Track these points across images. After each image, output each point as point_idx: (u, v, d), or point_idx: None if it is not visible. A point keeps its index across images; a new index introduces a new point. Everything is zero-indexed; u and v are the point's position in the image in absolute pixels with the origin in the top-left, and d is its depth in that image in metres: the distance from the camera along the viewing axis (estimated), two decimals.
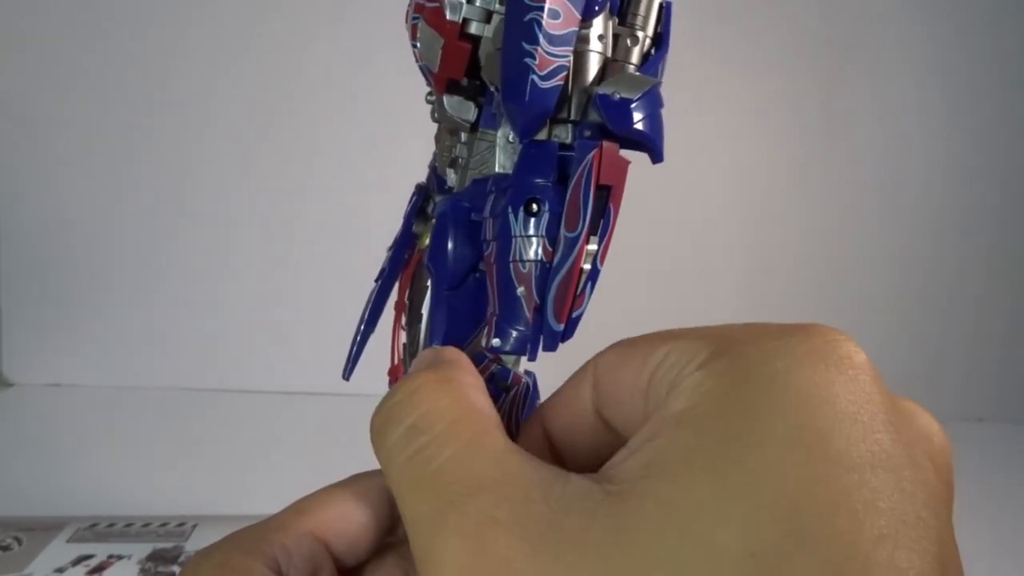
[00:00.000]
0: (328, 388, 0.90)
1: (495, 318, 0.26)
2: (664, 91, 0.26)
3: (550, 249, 0.25)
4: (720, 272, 1.04)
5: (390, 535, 0.31)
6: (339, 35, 0.94)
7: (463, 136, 0.32)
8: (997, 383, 1.07)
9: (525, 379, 0.27)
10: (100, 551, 0.58)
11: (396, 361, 0.34)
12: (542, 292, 0.25)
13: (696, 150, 1.00)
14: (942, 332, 1.06)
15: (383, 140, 0.91)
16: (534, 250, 0.25)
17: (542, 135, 0.26)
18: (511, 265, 0.25)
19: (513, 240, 0.25)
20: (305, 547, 0.28)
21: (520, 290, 0.25)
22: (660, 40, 0.29)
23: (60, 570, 0.56)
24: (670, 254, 1.02)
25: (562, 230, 0.25)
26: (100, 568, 0.56)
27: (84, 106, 0.93)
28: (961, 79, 1.03)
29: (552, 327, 0.25)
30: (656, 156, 0.26)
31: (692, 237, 1.03)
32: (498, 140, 0.27)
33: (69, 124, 0.93)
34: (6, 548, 0.58)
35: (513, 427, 0.27)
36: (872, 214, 1.05)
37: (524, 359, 0.30)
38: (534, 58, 0.24)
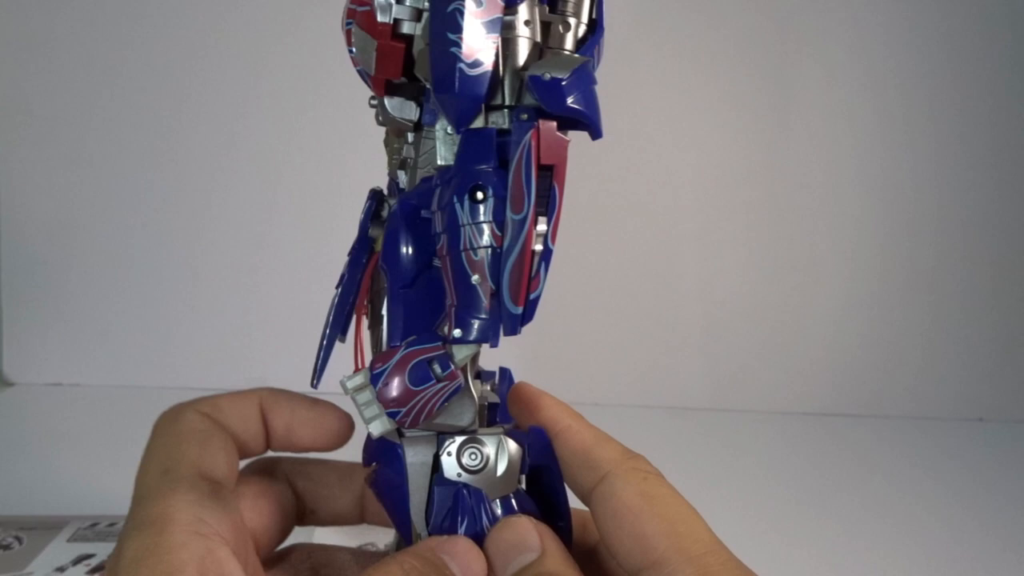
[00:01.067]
0: (327, 388, 0.88)
1: (454, 309, 0.26)
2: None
3: (499, 234, 0.25)
4: (725, 271, 1.04)
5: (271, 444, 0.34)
6: (334, 38, 0.93)
7: (409, 136, 0.32)
8: (997, 383, 1.06)
9: (458, 381, 0.27)
10: (101, 550, 0.58)
11: (362, 365, 0.34)
12: (496, 277, 0.25)
13: (683, 146, 1.01)
14: (942, 332, 1.05)
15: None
16: (484, 237, 0.25)
17: (478, 123, 0.26)
18: (463, 254, 0.25)
19: (462, 229, 0.25)
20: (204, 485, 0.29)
21: (475, 278, 0.25)
22: (595, 25, 0.29)
23: (61, 569, 0.55)
24: (680, 254, 1.02)
25: (508, 213, 0.25)
26: (101, 567, 0.56)
27: (84, 107, 0.92)
28: (957, 74, 1.03)
29: (510, 310, 0.25)
30: (595, 132, 0.26)
31: (683, 235, 1.03)
32: (437, 134, 0.27)
33: (68, 124, 0.92)
34: (6, 547, 0.58)
35: (421, 417, 0.27)
36: (870, 212, 1.04)
37: (477, 357, 0.31)
38: (460, 47, 0.24)
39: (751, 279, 1.04)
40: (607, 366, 0.99)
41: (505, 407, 0.34)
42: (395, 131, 0.33)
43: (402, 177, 0.33)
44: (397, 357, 0.27)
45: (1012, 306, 1.06)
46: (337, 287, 0.34)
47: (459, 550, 0.27)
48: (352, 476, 0.36)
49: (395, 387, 0.26)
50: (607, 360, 0.99)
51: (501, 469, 0.30)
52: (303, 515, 0.35)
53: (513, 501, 0.31)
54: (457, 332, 0.26)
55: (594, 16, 0.29)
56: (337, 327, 0.34)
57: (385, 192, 0.36)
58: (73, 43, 0.92)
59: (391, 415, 0.26)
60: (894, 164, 1.04)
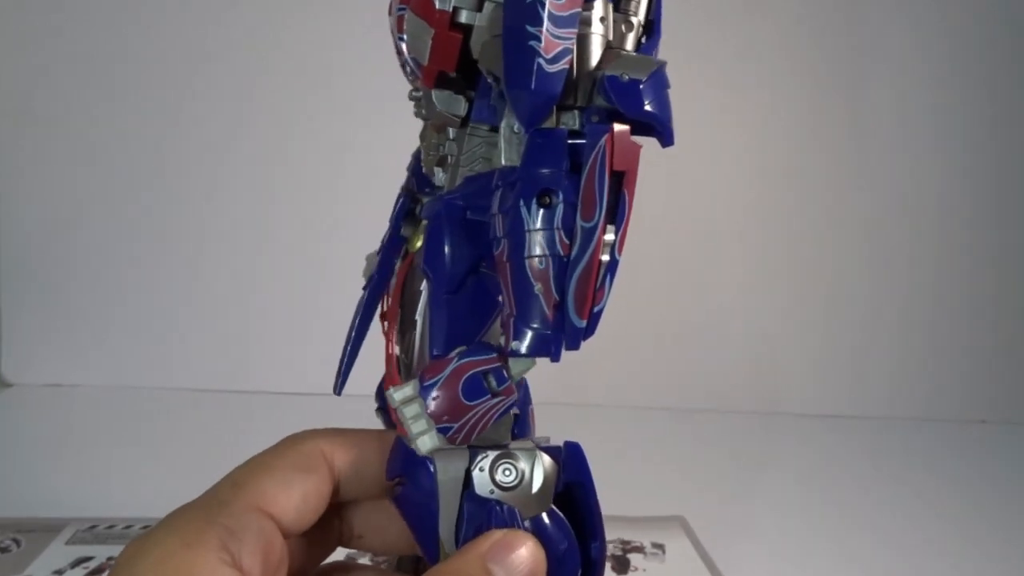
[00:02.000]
0: (327, 388, 0.87)
1: (512, 319, 0.24)
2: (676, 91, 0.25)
3: (567, 242, 0.23)
4: (725, 271, 1.03)
5: (334, 496, 0.30)
6: (339, 38, 0.93)
7: (451, 133, 0.30)
8: (999, 385, 1.07)
9: (515, 396, 0.26)
10: (100, 553, 0.57)
11: (394, 372, 0.32)
12: (561, 288, 0.24)
13: (710, 149, 1.01)
14: (944, 334, 1.06)
15: (390, 140, 0.91)
16: (550, 244, 0.24)
17: (549, 123, 0.25)
18: (526, 262, 0.24)
19: (527, 235, 0.24)
20: (252, 524, 0.26)
21: (538, 287, 0.24)
22: (651, 27, 0.28)
23: (59, 572, 0.55)
24: (680, 254, 1.02)
25: (578, 220, 0.23)
26: (99, 570, 0.55)
27: (84, 107, 0.92)
28: (968, 76, 1.04)
29: (574, 324, 0.24)
30: (666, 139, 0.25)
31: (701, 237, 1.03)
32: (502, 132, 0.26)
33: (68, 125, 0.92)
34: (5, 550, 0.57)
35: (474, 433, 0.25)
36: (873, 215, 1.05)
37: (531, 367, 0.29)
38: (540, 41, 0.23)
39: (750, 282, 1.04)
40: (614, 367, 0.98)
41: (526, 419, 0.32)
42: (437, 126, 0.31)
43: (439, 175, 0.31)
44: (450, 369, 0.25)
45: (1014, 309, 1.08)
46: (365, 288, 0.33)
47: (516, 557, 0.25)
48: None
49: (447, 401, 0.25)
50: (615, 361, 0.99)
51: (536, 486, 0.29)
52: (349, 539, 0.33)
53: (546, 520, 0.29)
54: (515, 344, 0.24)
55: (651, 17, 0.28)
56: (364, 330, 0.32)
57: (411, 187, 0.34)
58: (73, 41, 0.91)
59: (441, 431, 0.25)
60: (898, 172, 1.05)
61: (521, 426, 0.33)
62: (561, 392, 0.79)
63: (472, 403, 0.25)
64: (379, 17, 0.30)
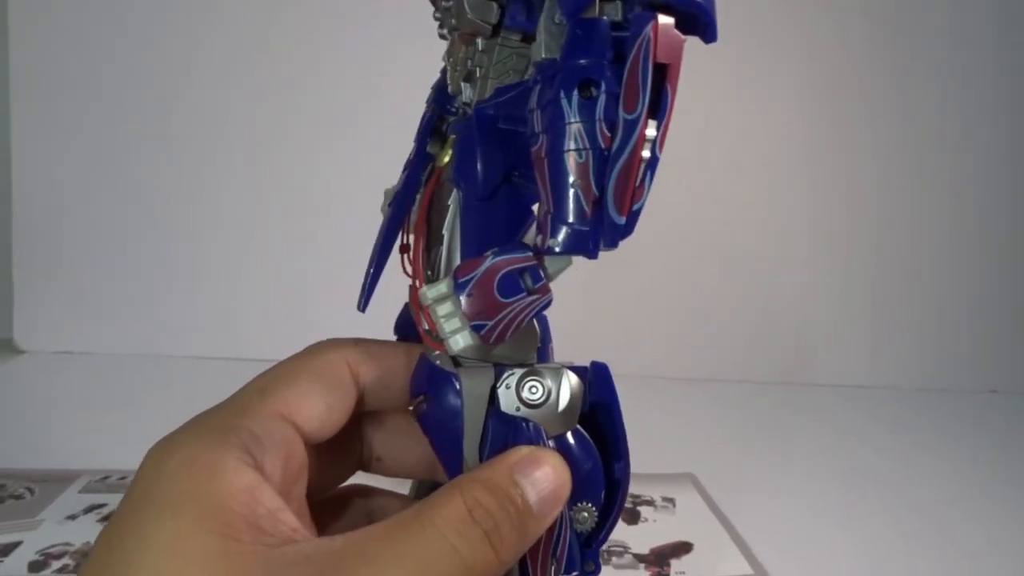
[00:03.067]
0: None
1: (549, 216, 0.24)
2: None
3: (608, 134, 0.23)
4: (745, 244, 1.04)
5: (358, 406, 0.30)
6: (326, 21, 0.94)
7: (481, 44, 0.30)
8: (1010, 355, 1.07)
9: (550, 296, 0.25)
10: (112, 500, 0.57)
11: (419, 285, 0.32)
12: (601, 183, 0.23)
13: (735, 122, 1.01)
14: (955, 304, 1.06)
15: (397, 108, 0.92)
16: (590, 136, 0.23)
17: (590, 13, 0.24)
18: (565, 156, 0.23)
19: (567, 127, 0.23)
20: (275, 430, 0.26)
21: (576, 183, 0.23)
22: None
23: (72, 517, 0.55)
24: (701, 226, 1.02)
25: (620, 112, 0.23)
26: (110, 516, 0.55)
27: (94, 80, 0.92)
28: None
29: (613, 220, 0.23)
30: (710, 34, 0.24)
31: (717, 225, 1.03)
32: (542, 25, 0.25)
33: (79, 97, 0.92)
34: (18, 497, 0.57)
35: (508, 332, 0.25)
36: (889, 189, 1.04)
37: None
38: None
39: (765, 256, 1.04)
40: (632, 338, 0.98)
41: (547, 356, 0.31)
42: (466, 39, 0.30)
43: (466, 91, 0.30)
44: (484, 266, 0.24)
45: None
46: (390, 205, 0.32)
47: (542, 474, 0.25)
48: None
49: (482, 298, 0.24)
50: (633, 332, 0.99)
51: (563, 404, 0.28)
52: (369, 462, 0.33)
53: (571, 439, 0.29)
54: (552, 242, 0.23)
55: None
56: (388, 246, 0.31)
57: (436, 106, 0.34)
58: (84, 16, 0.91)
59: (475, 328, 0.24)
60: (910, 139, 1.05)
61: (542, 360, 0.32)
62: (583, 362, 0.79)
63: (507, 300, 0.24)
64: None
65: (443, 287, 0.24)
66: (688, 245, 1.01)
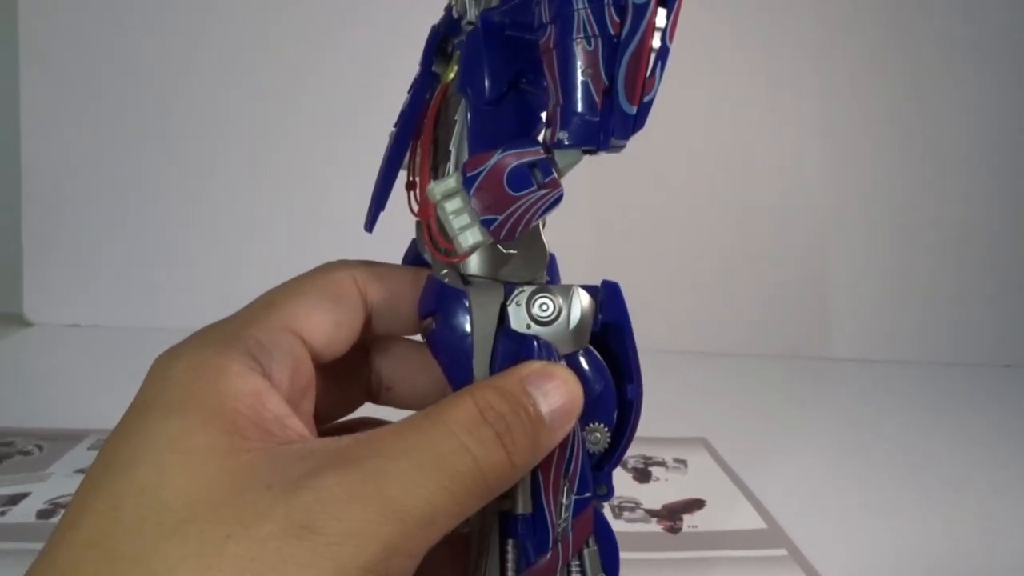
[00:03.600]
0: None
1: (558, 108, 0.23)
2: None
3: (617, 20, 0.22)
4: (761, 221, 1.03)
5: (366, 329, 0.30)
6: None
7: None
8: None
9: (560, 190, 0.24)
10: None
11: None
12: (611, 71, 0.22)
13: (755, 98, 1.00)
14: (969, 279, 1.05)
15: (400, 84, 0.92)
16: (599, 22, 0.22)
17: None
18: (575, 44, 0.22)
19: (575, 14, 0.22)
20: (282, 341, 0.26)
21: (586, 71, 0.22)
22: None
23: (81, 471, 0.55)
24: (719, 203, 1.02)
25: None
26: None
27: (106, 47, 0.92)
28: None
29: (624, 110, 0.22)
30: None
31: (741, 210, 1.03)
32: None
33: (90, 71, 0.92)
34: (27, 453, 0.58)
35: (519, 227, 0.24)
36: (906, 165, 1.04)
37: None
38: None
39: (780, 230, 1.03)
40: (648, 312, 0.98)
41: (556, 271, 0.31)
42: None
43: (471, 10, 0.30)
44: (493, 160, 0.24)
45: None
46: (396, 124, 0.31)
47: (554, 387, 0.24)
48: None
49: (492, 192, 0.23)
50: (649, 306, 0.99)
51: (574, 322, 0.28)
52: (378, 392, 0.32)
53: (582, 359, 0.28)
54: (563, 134, 0.23)
55: None
56: (395, 165, 0.31)
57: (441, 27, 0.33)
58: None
59: (485, 223, 0.24)
60: (928, 111, 1.04)
61: (551, 273, 0.31)
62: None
63: (517, 194, 0.23)
64: None
65: (452, 182, 0.24)
66: (704, 220, 1.01)
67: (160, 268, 0.96)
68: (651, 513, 0.54)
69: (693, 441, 0.69)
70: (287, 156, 0.96)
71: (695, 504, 0.56)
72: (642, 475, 0.61)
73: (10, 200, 0.94)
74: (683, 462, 0.64)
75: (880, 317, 1.05)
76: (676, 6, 0.23)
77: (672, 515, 0.54)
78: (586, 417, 0.28)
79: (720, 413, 0.78)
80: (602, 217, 0.96)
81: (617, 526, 0.52)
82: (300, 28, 0.95)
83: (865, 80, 1.02)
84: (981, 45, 1.03)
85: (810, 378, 0.95)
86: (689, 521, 0.54)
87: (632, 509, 0.55)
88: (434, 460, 0.21)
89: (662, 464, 0.63)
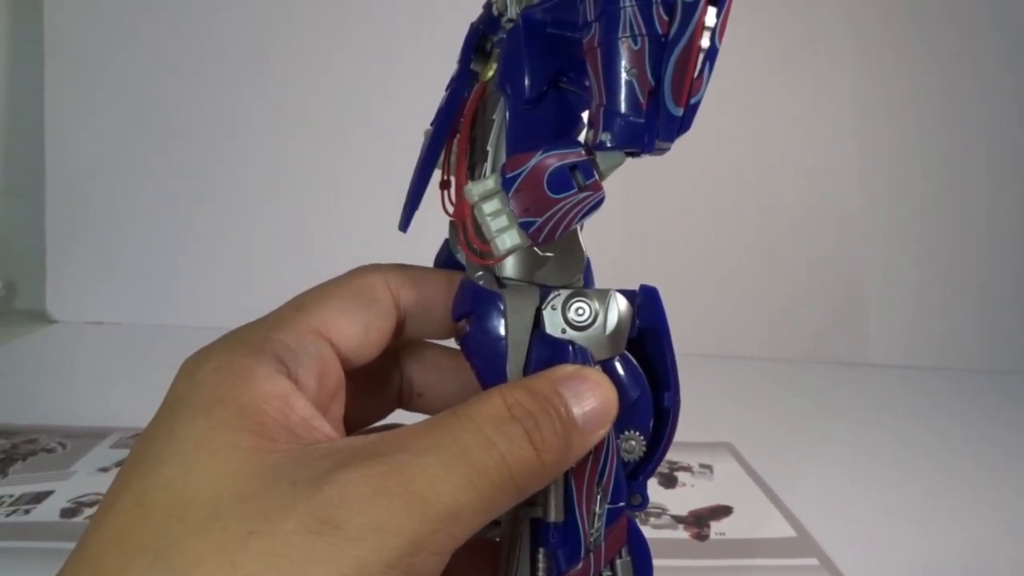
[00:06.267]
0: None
1: (602, 109, 0.22)
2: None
3: (665, 18, 0.22)
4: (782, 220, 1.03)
5: (398, 333, 0.29)
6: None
7: None
8: None
9: (602, 193, 0.23)
10: None
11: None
12: (657, 71, 0.22)
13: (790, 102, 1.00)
14: (997, 284, 1.04)
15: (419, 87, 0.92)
16: (647, 21, 0.22)
17: None
18: (620, 42, 0.22)
19: (622, 12, 0.22)
20: (310, 344, 0.25)
21: (631, 71, 0.22)
22: None
23: (104, 469, 0.55)
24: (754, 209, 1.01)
25: None
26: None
27: (131, 50, 0.93)
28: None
29: (670, 111, 0.22)
30: None
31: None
32: None
33: (114, 70, 0.93)
34: (50, 451, 0.58)
35: (559, 230, 0.23)
36: (928, 171, 1.03)
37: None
38: None
39: (801, 239, 1.02)
40: (678, 314, 0.98)
41: (591, 275, 0.30)
42: None
43: (512, 8, 0.29)
44: (534, 161, 0.23)
45: None
46: (432, 123, 0.31)
47: (587, 389, 0.24)
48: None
49: (531, 193, 0.23)
50: (677, 308, 0.99)
51: (610, 327, 0.27)
52: (409, 398, 0.32)
53: (618, 365, 0.27)
54: (605, 136, 0.22)
55: None
56: (431, 163, 0.30)
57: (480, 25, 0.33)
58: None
59: (524, 226, 0.23)
60: (954, 118, 1.02)
61: (588, 285, 0.31)
62: None
63: (558, 196, 0.23)
64: None
65: (490, 183, 0.23)
66: (728, 222, 1.00)
67: (182, 266, 0.96)
68: (678, 519, 0.54)
69: (718, 446, 0.68)
70: (311, 156, 0.96)
71: (722, 511, 0.56)
72: (668, 480, 0.60)
73: (34, 198, 0.95)
74: (708, 467, 0.63)
75: (906, 322, 1.04)
76: (727, 5, 0.22)
77: (699, 522, 0.53)
78: (621, 424, 0.27)
79: (745, 418, 0.77)
80: (625, 219, 0.95)
81: (644, 532, 0.52)
82: (325, 28, 0.95)
83: (892, 82, 1.01)
84: (1011, 47, 1.01)
85: (835, 383, 0.94)
86: (716, 528, 0.53)
87: (658, 515, 0.54)
88: (459, 454, 0.21)
89: (687, 469, 0.63)
